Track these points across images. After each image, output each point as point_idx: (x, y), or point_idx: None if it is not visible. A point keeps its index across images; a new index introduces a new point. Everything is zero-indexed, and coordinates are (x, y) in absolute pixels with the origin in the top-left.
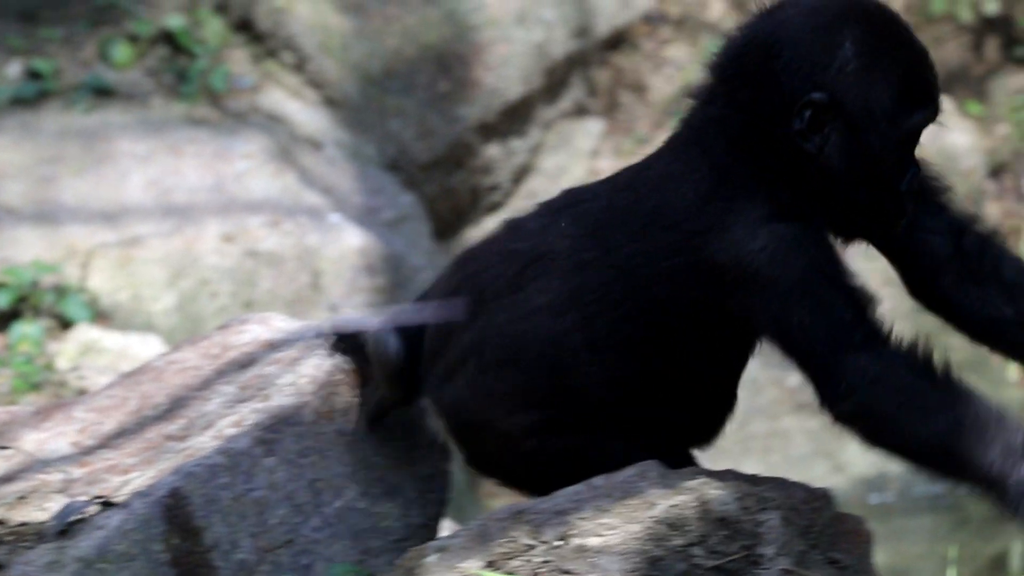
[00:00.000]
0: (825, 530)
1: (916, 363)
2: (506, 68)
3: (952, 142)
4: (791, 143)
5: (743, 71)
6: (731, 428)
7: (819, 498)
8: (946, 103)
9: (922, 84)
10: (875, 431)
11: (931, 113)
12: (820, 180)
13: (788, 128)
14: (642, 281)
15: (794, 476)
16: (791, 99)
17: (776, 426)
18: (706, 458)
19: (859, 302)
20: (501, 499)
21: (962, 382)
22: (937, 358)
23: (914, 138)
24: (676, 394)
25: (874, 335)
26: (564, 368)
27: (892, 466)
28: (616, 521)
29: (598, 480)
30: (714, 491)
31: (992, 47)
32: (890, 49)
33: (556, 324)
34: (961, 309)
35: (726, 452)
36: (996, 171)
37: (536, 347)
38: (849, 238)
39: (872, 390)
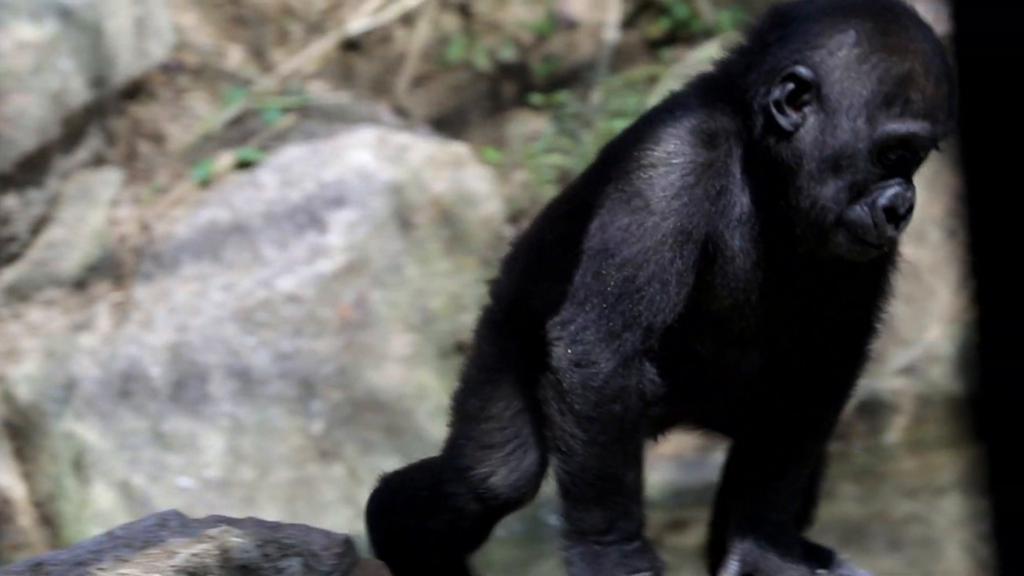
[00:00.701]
0: (346, 575)
1: (618, 396)
2: (22, 118)
3: (470, 188)
4: (767, 115)
5: (754, 35)
6: (254, 476)
7: (340, 544)
8: (465, 149)
9: (916, 96)
10: (548, 414)
11: (920, 132)
12: (786, 165)
13: (767, 97)
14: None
15: (319, 523)
16: (778, 68)
17: (300, 474)
18: (229, 508)
19: (641, 305)
20: (22, 552)
21: (636, 442)
22: (637, 408)
23: (897, 149)
24: None
25: (615, 345)
26: None
27: None
28: (136, 571)
29: (119, 530)
30: (235, 539)
31: (509, 93)
32: (896, 51)
33: None
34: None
35: (250, 501)
36: (515, 217)
37: None
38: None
39: (570, 394)
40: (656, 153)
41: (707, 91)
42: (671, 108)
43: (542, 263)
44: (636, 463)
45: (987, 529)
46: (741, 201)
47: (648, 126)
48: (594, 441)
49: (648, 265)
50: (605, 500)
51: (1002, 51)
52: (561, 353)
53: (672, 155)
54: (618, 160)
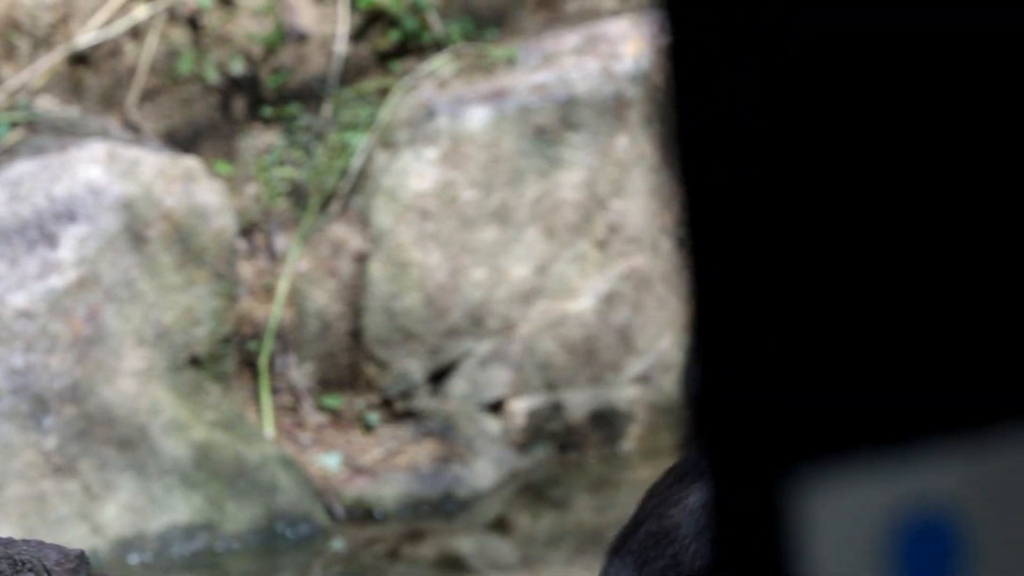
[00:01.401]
0: None
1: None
2: None
3: (202, 201)
4: None
5: None
6: None
7: (73, 559)
8: (196, 163)
9: None
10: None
11: None
12: None
13: None
14: None
15: (53, 539)
16: None
17: (34, 490)
18: None
19: None
20: None
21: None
22: None
23: None
24: None
25: None
26: None
27: (149, 527)
28: None
29: None
30: None
31: (240, 107)
32: None
33: None
34: None
35: None
36: (247, 230)
37: None
38: None
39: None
40: None
41: None
42: None
43: None
44: None
45: (712, 533)
46: None
47: None
48: None
49: None
50: None
51: (718, 62)
52: None
53: None
54: None
